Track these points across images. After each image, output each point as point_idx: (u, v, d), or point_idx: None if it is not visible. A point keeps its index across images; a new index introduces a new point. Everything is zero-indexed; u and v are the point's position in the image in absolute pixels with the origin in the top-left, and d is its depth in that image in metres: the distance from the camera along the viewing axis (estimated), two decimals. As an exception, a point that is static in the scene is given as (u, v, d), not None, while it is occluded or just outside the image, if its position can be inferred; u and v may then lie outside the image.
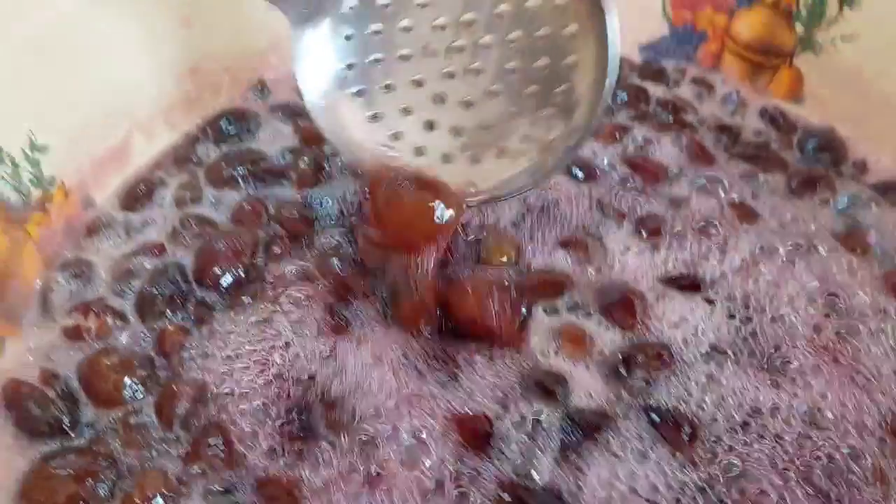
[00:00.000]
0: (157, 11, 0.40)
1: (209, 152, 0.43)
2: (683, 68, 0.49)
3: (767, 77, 0.47)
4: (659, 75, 0.49)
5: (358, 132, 0.36)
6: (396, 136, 0.36)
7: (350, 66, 0.36)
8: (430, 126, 0.36)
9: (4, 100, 0.34)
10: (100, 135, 0.39)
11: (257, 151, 0.42)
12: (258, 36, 0.45)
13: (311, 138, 0.42)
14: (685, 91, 0.48)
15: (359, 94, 0.36)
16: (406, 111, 0.36)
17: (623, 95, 0.47)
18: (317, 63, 0.36)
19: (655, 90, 0.48)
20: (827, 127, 0.45)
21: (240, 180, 0.41)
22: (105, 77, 0.39)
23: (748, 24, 0.46)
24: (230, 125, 0.43)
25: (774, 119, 0.46)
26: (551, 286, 0.35)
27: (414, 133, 0.36)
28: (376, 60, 0.36)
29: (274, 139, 0.43)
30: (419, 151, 0.36)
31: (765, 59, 0.47)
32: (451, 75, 0.36)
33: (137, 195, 0.40)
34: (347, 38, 0.36)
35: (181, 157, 0.42)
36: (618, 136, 0.43)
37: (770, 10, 0.46)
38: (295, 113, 0.44)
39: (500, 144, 0.36)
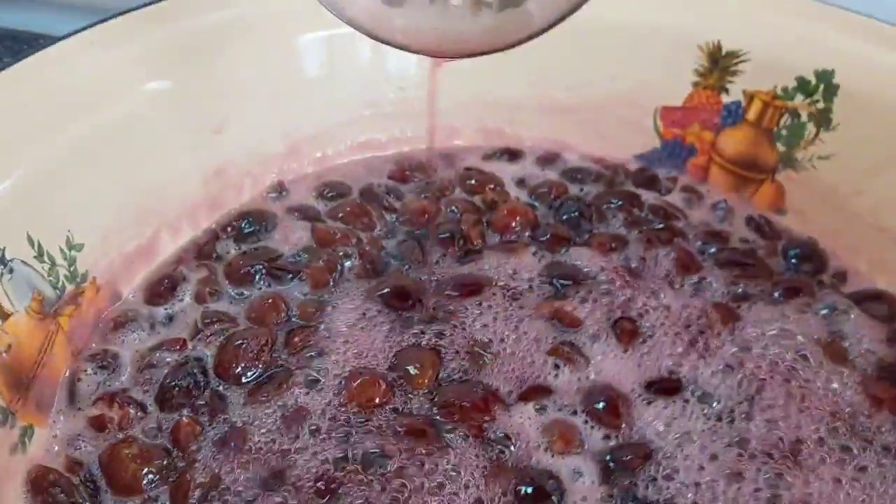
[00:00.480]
0: (193, 121, 0.44)
1: (229, 249, 0.46)
2: (675, 177, 0.52)
3: (752, 189, 0.51)
4: (651, 182, 0.52)
5: None
6: None
7: None
8: None
9: (49, 202, 0.37)
10: (131, 233, 0.42)
11: (273, 250, 0.45)
12: (279, 142, 0.49)
13: (325, 241, 0.46)
14: (676, 198, 0.51)
15: None
16: None
17: (617, 201, 0.50)
18: None
19: (648, 196, 0.51)
20: (808, 238, 0.48)
21: (257, 277, 0.44)
22: (140, 180, 0.42)
23: (733, 142, 0.50)
24: (249, 224, 0.46)
25: (760, 227, 0.49)
26: (538, 390, 0.38)
27: None
28: None
29: (289, 239, 0.46)
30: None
31: (749, 173, 0.50)
32: None
33: (161, 290, 0.43)
34: None
35: (203, 253, 0.45)
36: (613, 246, 0.46)
37: (753, 129, 0.49)
38: (311, 216, 0.47)
39: None
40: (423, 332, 0.40)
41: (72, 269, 0.39)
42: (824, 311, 0.43)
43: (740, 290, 0.44)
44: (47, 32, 0.73)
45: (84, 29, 0.42)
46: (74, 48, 0.41)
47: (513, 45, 0.34)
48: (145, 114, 0.42)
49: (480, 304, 0.42)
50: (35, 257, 0.37)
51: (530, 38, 0.34)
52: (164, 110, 0.43)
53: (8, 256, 0.35)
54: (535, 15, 0.34)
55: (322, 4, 0.34)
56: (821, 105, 0.47)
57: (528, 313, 0.41)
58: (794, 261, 0.47)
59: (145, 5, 0.44)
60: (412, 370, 0.39)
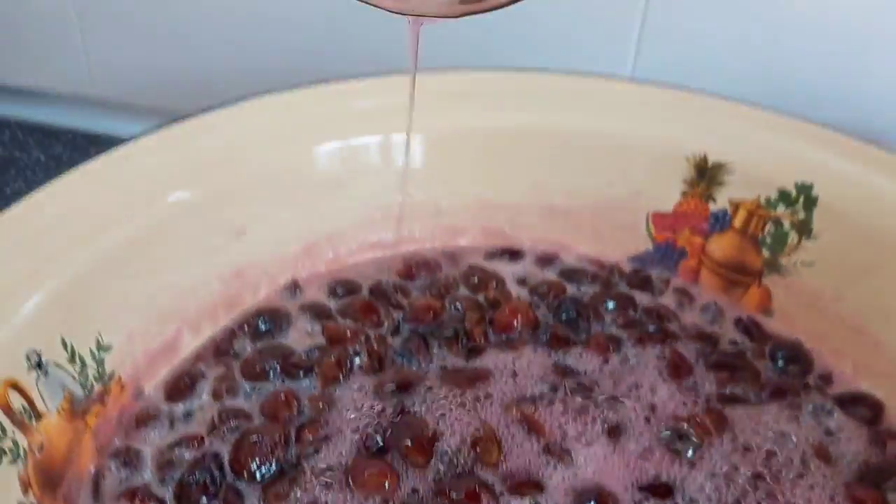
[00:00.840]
0: (218, 226, 0.47)
1: (245, 346, 0.48)
2: (668, 278, 0.55)
3: (741, 292, 0.53)
4: (645, 283, 0.55)
5: None
6: None
7: None
8: None
9: (82, 307, 0.40)
10: (155, 333, 0.45)
11: (287, 347, 0.48)
12: (294, 244, 0.52)
13: (336, 338, 0.48)
14: (668, 300, 0.54)
15: None
16: None
17: (613, 302, 0.53)
18: None
19: (642, 298, 0.54)
20: (795, 340, 0.51)
21: (271, 374, 0.46)
22: (165, 283, 0.45)
23: (721, 247, 0.53)
24: (264, 323, 0.49)
25: (749, 329, 0.52)
26: (530, 486, 0.40)
27: None
28: None
29: (302, 337, 0.49)
30: None
31: (737, 276, 0.53)
32: None
33: (181, 387, 0.45)
34: None
35: (221, 350, 0.48)
36: (611, 348, 0.48)
37: (740, 236, 0.52)
38: (323, 314, 0.50)
39: None
40: (426, 424, 0.43)
41: (100, 369, 0.41)
42: (810, 413, 0.45)
43: (729, 392, 0.46)
44: (69, 125, 0.78)
45: (111, 148, 0.45)
46: (102, 167, 0.44)
47: (489, 10, 0.35)
48: (171, 223, 0.45)
49: (480, 399, 0.44)
50: (67, 359, 0.39)
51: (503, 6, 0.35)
52: (190, 218, 0.46)
53: (44, 360, 0.38)
54: None
55: None
56: (801, 215, 0.50)
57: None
58: (780, 362, 0.49)
59: (169, 122, 0.48)
60: (413, 458, 0.41)
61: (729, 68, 0.64)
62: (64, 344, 0.39)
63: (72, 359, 0.40)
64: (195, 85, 0.77)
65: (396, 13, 0.35)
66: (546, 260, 0.57)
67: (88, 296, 0.41)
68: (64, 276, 0.40)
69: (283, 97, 0.51)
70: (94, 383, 0.41)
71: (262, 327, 0.49)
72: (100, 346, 0.41)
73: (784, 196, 0.50)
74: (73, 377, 0.40)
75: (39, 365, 0.38)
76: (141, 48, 0.76)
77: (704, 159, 0.52)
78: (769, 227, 0.51)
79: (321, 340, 0.49)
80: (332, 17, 0.69)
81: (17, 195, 0.73)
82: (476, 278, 0.54)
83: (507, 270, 0.56)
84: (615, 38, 0.65)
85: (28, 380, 0.37)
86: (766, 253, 0.52)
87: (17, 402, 0.36)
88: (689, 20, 0.63)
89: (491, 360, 0.48)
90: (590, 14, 0.65)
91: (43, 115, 0.81)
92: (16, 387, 0.36)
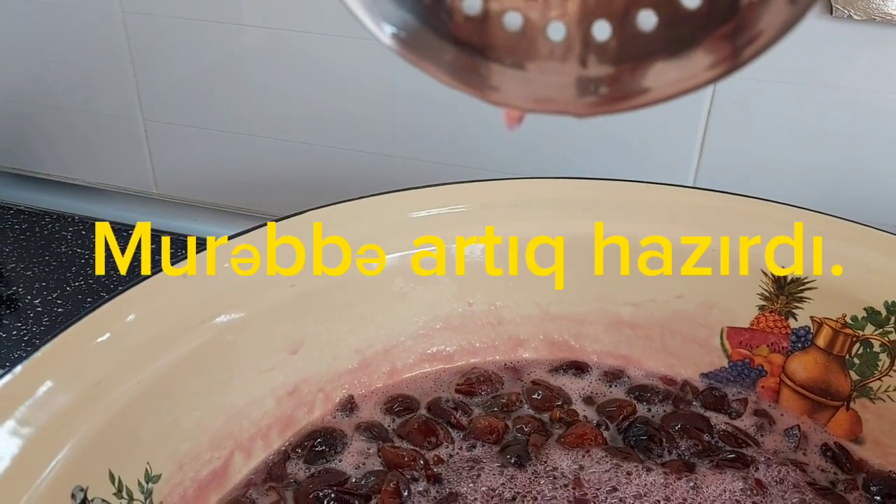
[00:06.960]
0: (272, 342, 0.46)
1: (299, 470, 0.46)
2: (745, 398, 0.52)
3: (827, 415, 0.49)
4: (721, 403, 0.51)
5: None
6: None
7: None
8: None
9: (131, 437, 0.39)
10: (205, 459, 0.43)
11: (342, 472, 0.46)
12: (351, 358, 0.50)
13: (394, 463, 0.46)
14: (747, 422, 0.50)
15: None
16: None
17: (687, 425, 0.49)
18: None
19: (718, 420, 0.50)
20: (889, 472, 0.46)
21: (325, 502, 0.44)
22: (217, 406, 0.43)
23: (803, 366, 0.50)
24: (319, 444, 0.47)
25: (837, 457, 0.48)
26: None
27: None
28: None
29: (358, 461, 0.46)
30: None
31: (822, 399, 0.49)
32: None
33: (231, 518, 0.43)
34: None
35: (273, 475, 0.45)
36: (683, 474, 0.45)
37: (824, 355, 0.49)
38: (379, 435, 0.48)
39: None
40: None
41: (147, 501, 0.39)
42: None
43: (823, 535, 0.42)
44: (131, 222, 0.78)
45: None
46: (145, 291, 0.42)
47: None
48: (222, 341, 0.44)
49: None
50: (114, 494, 0.37)
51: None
52: (242, 336, 0.44)
53: (90, 497, 0.36)
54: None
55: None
56: (893, 336, 0.46)
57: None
58: (877, 497, 0.45)
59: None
60: None
61: (788, 172, 0.62)
62: (112, 477, 0.37)
63: (119, 493, 0.38)
64: (253, 186, 0.78)
65: (505, 107, 0.28)
66: (613, 375, 0.53)
67: (137, 425, 0.39)
68: (110, 408, 0.38)
69: (342, 207, 0.50)
70: (142, 517, 0.39)
71: (318, 448, 0.47)
72: (148, 477, 0.40)
73: (872, 315, 0.47)
74: (120, 512, 0.38)
75: (84, 502, 0.36)
76: (202, 149, 0.77)
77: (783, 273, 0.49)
78: (857, 348, 0.48)
79: (377, 464, 0.46)
80: (396, 120, 0.69)
81: (79, 292, 0.73)
82: (540, 395, 0.52)
83: (572, 387, 0.53)
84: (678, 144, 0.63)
85: (73, 519, 0.35)
86: (854, 375, 0.48)
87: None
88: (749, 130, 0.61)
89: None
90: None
91: (105, 212, 0.82)
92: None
